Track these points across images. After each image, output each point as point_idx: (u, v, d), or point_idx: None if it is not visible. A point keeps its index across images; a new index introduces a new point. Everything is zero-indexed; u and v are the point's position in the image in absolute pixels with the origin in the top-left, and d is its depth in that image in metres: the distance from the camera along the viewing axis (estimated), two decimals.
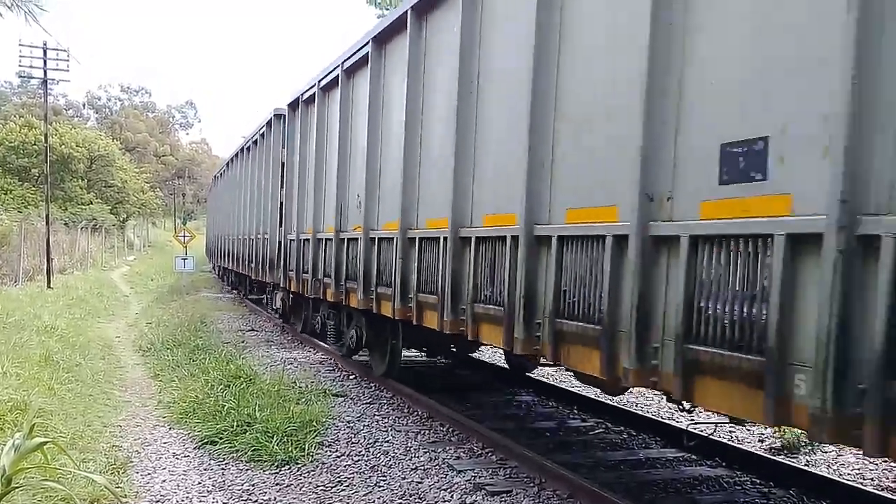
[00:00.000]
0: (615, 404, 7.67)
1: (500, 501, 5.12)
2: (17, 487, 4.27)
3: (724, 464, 5.96)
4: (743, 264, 3.25)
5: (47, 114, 28.31)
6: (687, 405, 4.91)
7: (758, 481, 5.57)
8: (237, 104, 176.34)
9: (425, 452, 6.24)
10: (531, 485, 5.42)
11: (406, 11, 6.95)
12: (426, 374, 9.76)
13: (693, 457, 6.15)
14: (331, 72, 9.60)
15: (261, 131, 15.29)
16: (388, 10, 40.55)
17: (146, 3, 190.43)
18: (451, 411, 7.31)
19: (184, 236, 24.12)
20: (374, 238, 7.68)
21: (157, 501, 5.17)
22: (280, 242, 12.71)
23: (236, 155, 19.92)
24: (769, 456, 6.04)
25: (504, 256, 5.09)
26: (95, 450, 6.13)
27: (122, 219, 52.44)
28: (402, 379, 8.67)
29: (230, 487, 5.47)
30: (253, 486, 5.51)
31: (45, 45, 27.05)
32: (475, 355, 10.50)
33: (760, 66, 3.23)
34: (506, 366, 9.75)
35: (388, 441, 6.60)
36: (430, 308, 6.38)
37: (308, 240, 10.42)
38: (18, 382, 7.31)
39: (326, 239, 9.51)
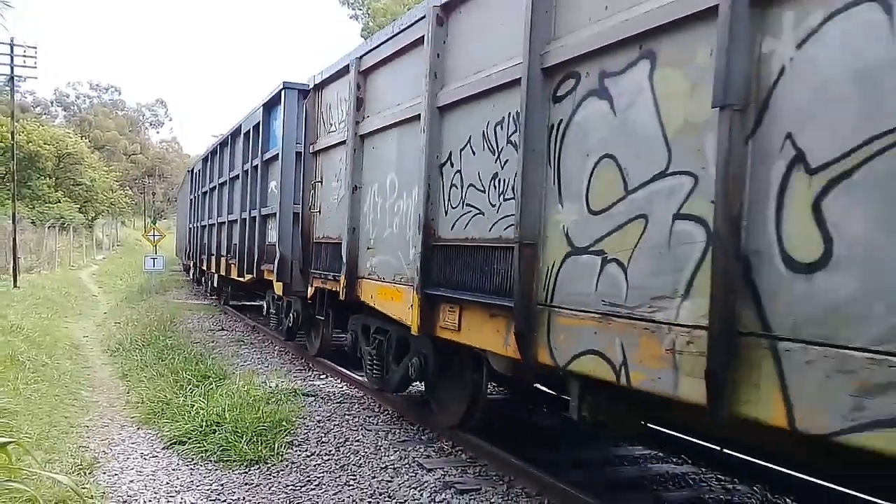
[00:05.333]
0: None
1: (470, 499, 5.15)
2: None
3: (689, 461, 6.05)
4: None
5: (14, 111, 27.87)
6: None
7: (723, 478, 5.66)
8: (209, 102, 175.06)
9: (395, 451, 6.24)
10: (500, 483, 5.46)
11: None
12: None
13: (660, 454, 6.24)
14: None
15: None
16: (359, 10, 40.16)
17: (116, 1, 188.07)
18: (423, 411, 7.33)
19: (153, 235, 23.87)
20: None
21: (124, 502, 5.13)
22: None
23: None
24: (732, 452, 6.13)
25: None
26: (61, 450, 6.07)
27: (90, 218, 51.74)
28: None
29: (199, 487, 5.45)
30: (222, 486, 5.49)
31: (12, 41, 26.63)
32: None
33: None
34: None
35: (358, 440, 6.60)
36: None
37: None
38: None
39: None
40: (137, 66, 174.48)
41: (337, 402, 8.07)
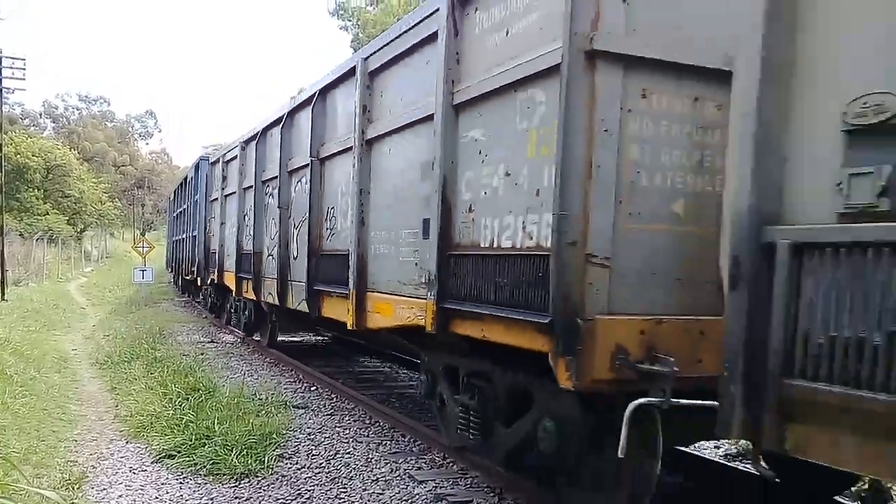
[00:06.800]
0: None
1: None
2: None
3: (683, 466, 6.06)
4: None
5: (2, 123, 27.75)
6: None
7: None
8: (199, 114, 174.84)
9: (386, 463, 6.23)
10: (491, 494, 5.45)
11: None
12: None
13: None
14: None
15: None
16: (349, 21, 40.19)
17: (105, 11, 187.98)
18: (415, 422, 7.32)
19: (143, 247, 23.78)
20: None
21: None
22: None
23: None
24: (726, 462, 6.16)
25: None
26: (50, 465, 6.02)
27: (79, 230, 51.56)
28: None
29: (188, 502, 5.41)
30: (211, 499, 5.45)
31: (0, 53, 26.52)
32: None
33: None
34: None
35: (349, 452, 6.59)
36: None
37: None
38: None
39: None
40: (126, 76, 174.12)
41: (328, 414, 8.05)
